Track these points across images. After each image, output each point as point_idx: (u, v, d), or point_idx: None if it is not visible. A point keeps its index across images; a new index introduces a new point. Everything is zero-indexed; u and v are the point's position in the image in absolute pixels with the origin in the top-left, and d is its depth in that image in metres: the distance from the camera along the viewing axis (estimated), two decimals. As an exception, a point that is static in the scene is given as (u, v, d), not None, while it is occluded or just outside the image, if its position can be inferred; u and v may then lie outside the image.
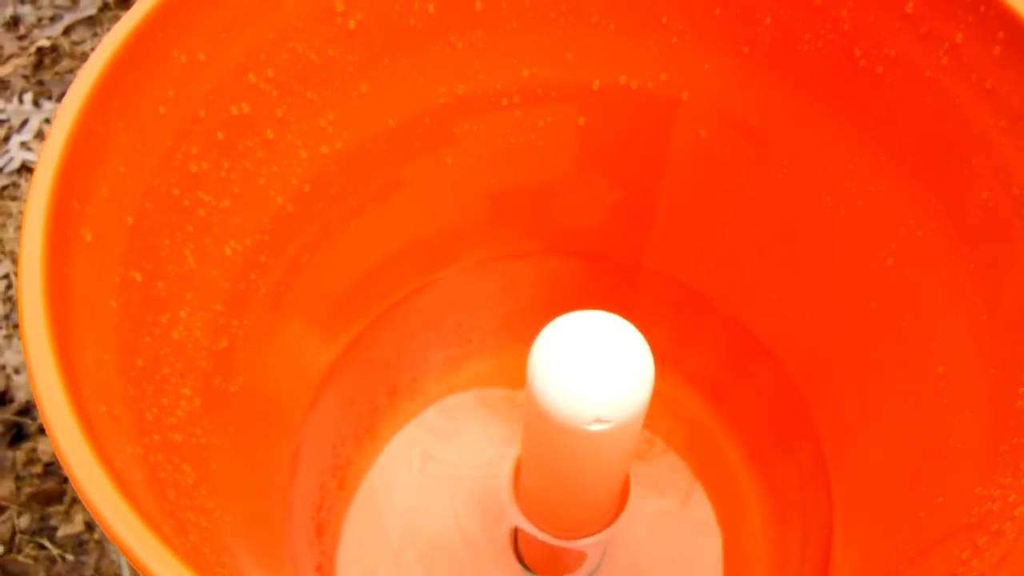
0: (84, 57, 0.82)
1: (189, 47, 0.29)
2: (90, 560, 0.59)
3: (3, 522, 0.61)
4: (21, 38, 0.83)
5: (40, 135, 0.78)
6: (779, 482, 0.44)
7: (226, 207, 0.33)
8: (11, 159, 0.77)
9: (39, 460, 0.63)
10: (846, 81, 0.33)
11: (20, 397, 0.65)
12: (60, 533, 0.60)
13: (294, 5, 0.32)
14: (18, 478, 0.62)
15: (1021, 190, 0.29)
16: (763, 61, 0.35)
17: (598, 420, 0.28)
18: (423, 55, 0.36)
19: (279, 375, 0.38)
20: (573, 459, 0.31)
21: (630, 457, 0.34)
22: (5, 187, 0.75)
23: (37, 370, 0.22)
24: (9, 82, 0.81)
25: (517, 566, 0.44)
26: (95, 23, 0.85)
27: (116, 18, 0.84)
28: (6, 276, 0.71)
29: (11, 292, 0.70)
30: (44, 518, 0.61)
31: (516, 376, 0.49)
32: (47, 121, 0.78)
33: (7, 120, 0.79)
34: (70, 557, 0.59)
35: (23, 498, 0.61)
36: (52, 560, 0.59)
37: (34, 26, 0.84)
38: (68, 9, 0.85)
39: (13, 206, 0.74)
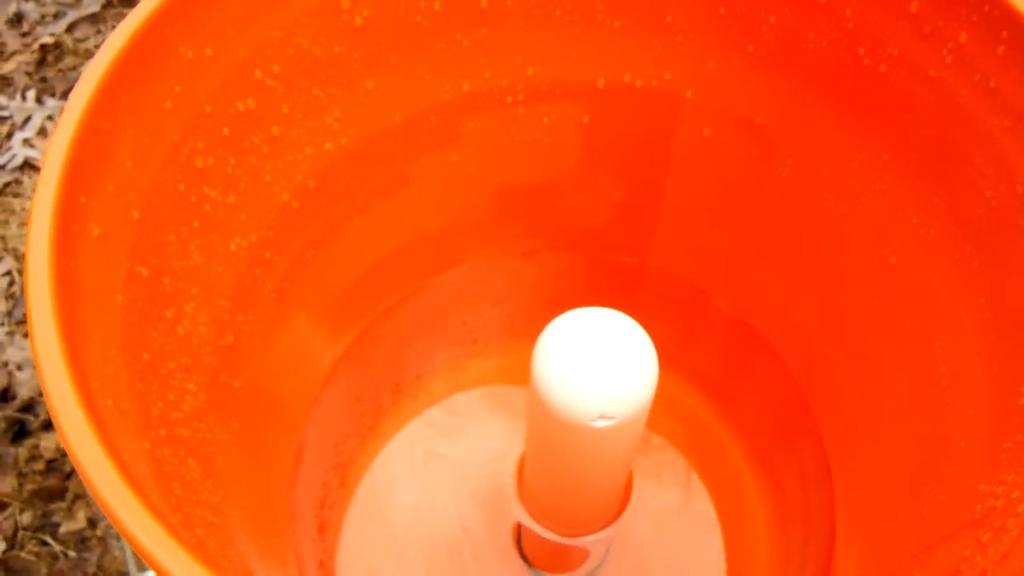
0: (87, 54, 0.82)
1: (196, 43, 0.29)
2: (92, 556, 0.59)
3: (5, 519, 0.61)
4: (24, 35, 0.83)
5: (43, 132, 0.78)
6: (781, 479, 0.44)
7: (232, 203, 0.33)
8: (14, 156, 0.77)
9: (41, 457, 0.63)
10: (850, 80, 0.34)
11: (22, 394, 0.65)
12: (62, 529, 0.60)
13: (301, 2, 0.32)
14: (20, 475, 0.62)
15: (1024, 189, 0.29)
16: (767, 60, 0.35)
17: (602, 417, 0.28)
18: (429, 52, 0.36)
19: (283, 371, 0.38)
20: (577, 456, 0.31)
21: (633, 454, 0.34)
22: (8, 184, 0.75)
23: (45, 363, 0.22)
24: (12, 79, 0.81)
25: (520, 563, 0.44)
26: (98, 20, 0.85)
27: (119, 15, 0.85)
28: (8, 273, 0.71)
29: (13, 289, 0.70)
30: (46, 515, 0.61)
31: (520, 373, 0.49)
32: (50, 118, 0.79)
33: (10, 117, 0.79)
34: (72, 554, 0.59)
35: (25, 495, 0.61)
36: (54, 556, 0.59)
37: (37, 23, 0.84)
38: (71, 6, 0.85)
39: (15, 203, 0.74)
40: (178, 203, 0.30)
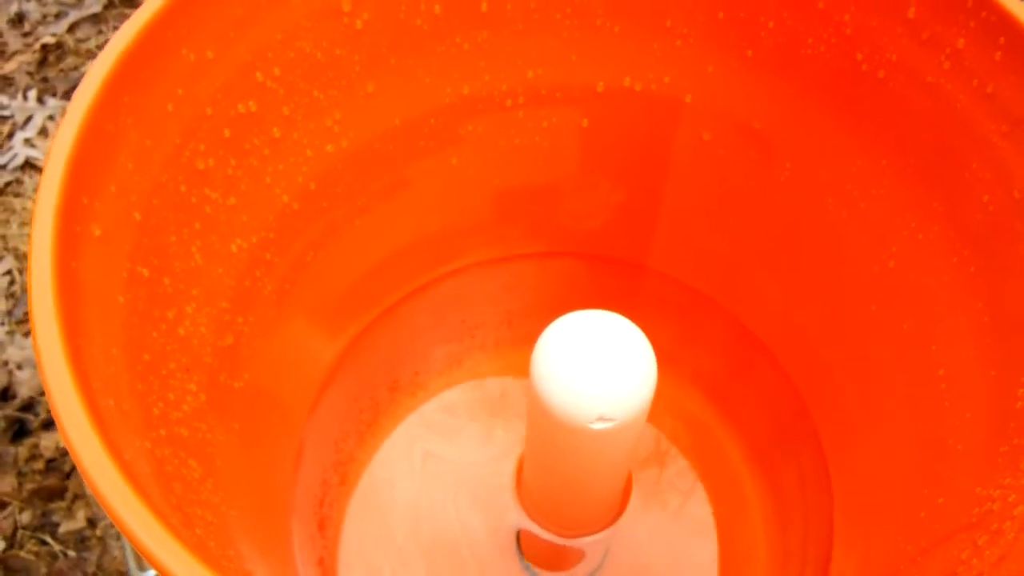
0: (88, 54, 0.82)
1: (198, 45, 0.29)
2: (92, 556, 0.59)
3: (5, 518, 0.61)
4: (26, 35, 0.84)
5: (44, 132, 0.78)
6: (780, 482, 0.44)
7: (232, 204, 0.33)
8: (15, 156, 0.77)
9: (41, 456, 0.63)
10: (848, 85, 0.34)
11: (22, 393, 0.65)
12: (62, 529, 0.60)
13: (302, 5, 0.32)
14: (20, 474, 0.62)
15: (1021, 194, 0.29)
16: (766, 65, 0.35)
17: (601, 419, 0.29)
18: (429, 55, 0.36)
19: (283, 372, 0.39)
20: (576, 457, 0.32)
21: (632, 456, 0.34)
22: (8, 184, 0.75)
23: (48, 364, 0.22)
24: (13, 79, 0.81)
25: (519, 563, 0.44)
26: (100, 20, 0.85)
27: (121, 16, 0.85)
28: (8, 272, 0.71)
29: (13, 288, 0.71)
30: (46, 514, 0.61)
31: (518, 374, 0.49)
32: (51, 118, 0.79)
33: (11, 117, 0.79)
34: (72, 553, 0.59)
35: (25, 494, 0.61)
36: (54, 556, 0.59)
37: (39, 23, 0.84)
38: (73, 6, 0.85)
39: (16, 203, 0.75)
40: (179, 204, 0.30)
